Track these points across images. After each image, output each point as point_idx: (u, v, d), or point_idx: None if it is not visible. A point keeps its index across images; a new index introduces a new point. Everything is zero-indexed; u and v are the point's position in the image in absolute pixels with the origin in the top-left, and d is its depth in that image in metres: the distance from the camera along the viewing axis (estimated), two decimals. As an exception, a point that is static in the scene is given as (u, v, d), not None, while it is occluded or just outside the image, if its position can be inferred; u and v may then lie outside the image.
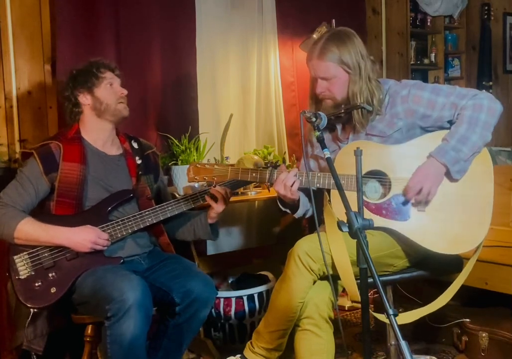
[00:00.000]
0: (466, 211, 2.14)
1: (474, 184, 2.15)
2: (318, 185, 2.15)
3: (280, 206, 2.29)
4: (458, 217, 2.13)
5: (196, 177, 2.19)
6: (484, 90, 2.19)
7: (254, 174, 2.17)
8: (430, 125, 2.21)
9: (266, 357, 2.13)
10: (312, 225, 1.90)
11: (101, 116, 2.34)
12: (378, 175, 2.17)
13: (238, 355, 2.19)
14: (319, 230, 1.95)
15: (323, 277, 2.10)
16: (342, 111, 2.19)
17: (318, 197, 2.20)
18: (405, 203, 2.13)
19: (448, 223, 2.13)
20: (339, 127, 2.32)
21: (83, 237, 2.17)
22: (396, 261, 2.20)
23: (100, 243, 2.19)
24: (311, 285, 2.09)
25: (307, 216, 2.32)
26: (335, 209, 2.09)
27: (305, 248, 2.07)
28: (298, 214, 2.26)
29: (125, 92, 2.37)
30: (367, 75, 2.19)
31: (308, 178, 2.11)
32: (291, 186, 2.11)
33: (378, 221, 2.10)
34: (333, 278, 2.05)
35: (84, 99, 2.33)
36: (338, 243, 2.03)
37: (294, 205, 2.25)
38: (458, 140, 2.10)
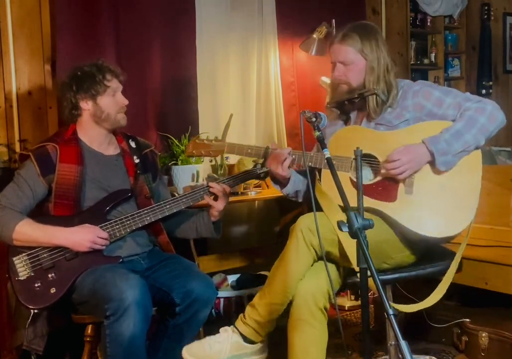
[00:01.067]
0: (450, 197, 2.17)
1: (461, 173, 2.18)
2: (310, 164, 2.20)
3: (272, 183, 2.36)
4: (441, 202, 2.16)
5: (193, 151, 2.28)
6: (492, 101, 2.21)
7: (249, 150, 2.25)
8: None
9: (256, 330, 2.13)
10: (310, 207, 1.93)
11: (99, 123, 2.32)
12: (369, 158, 2.21)
13: (232, 326, 2.18)
14: (315, 208, 1.95)
15: (321, 258, 2.11)
16: (356, 95, 2.24)
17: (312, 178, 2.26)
18: (392, 185, 2.17)
19: (432, 207, 2.16)
20: (353, 116, 2.37)
21: (81, 237, 2.17)
22: (394, 252, 2.20)
23: (99, 242, 2.19)
24: (309, 261, 2.10)
25: (297, 199, 2.38)
26: (325, 187, 2.13)
27: (307, 223, 2.09)
28: (287, 190, 2.32)
29: (127, 102, 2.35)
30: (385, 67, 2.26)
31: (304, 161, 2.14)
32: (283, 162, 2.18)
33: (366, 201, 2.13)
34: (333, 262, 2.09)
35: (85, 104, 2.30)
36: (337, 216, 2.04)
37: (284, 182, 2.31)
38: (452, 135, 2.15)
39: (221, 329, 2.18)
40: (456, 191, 2.17)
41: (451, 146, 2.13)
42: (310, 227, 2.08)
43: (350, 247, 2.03)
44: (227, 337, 2.14)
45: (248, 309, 2.18)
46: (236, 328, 2.15)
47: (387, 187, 2.17)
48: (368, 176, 2.22)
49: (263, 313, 2.12)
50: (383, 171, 2.17)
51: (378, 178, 2.19)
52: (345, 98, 2.28)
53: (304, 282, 2.09)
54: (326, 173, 2.17)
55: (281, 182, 2.32)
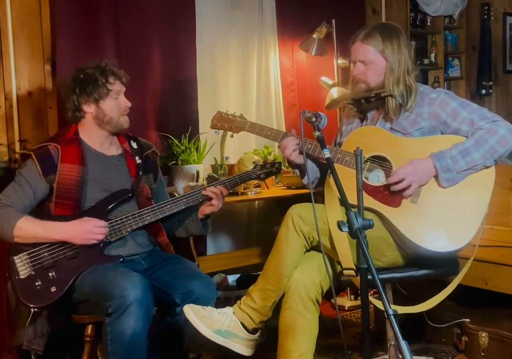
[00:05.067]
0: (453, 213, 2.15)
1: (471, 190, 2.17)
2: (323, 156, 2.20)
3: (291, 168, 2.45)
4: (445, 216, 2.15)
5: (218, 124, 2.39)
6: (508, 122, 2.19)
7: (269, 132, 2.31)
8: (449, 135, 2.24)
9: (250, 317, 2.14)
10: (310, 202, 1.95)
11: (101, 126, 2.33)
12: (382, 161, 2.21)
13: (232, 310, 2.20)
14: (313, 200, 1.97)
15: (315, 248, 2.14)
16: (373, 95, 2.25)
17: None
18: (399, 191, 2.16)
19: (434, 219, 2.15)
20: (370, 115, 2.37)
21: (78, 229, 2.17)
22: (388, 250, 2.21)
23: (98, 232, 2.19)
24: (300, 248, 2.13)
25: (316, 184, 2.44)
26: (332, 182, 2.12)
27: (298, 211, 2.14)
28: (306, 179, 2.37)
29: (129, 104, 2.35)
30: (406, 69, 2.25)
31: (304, 156, 2.16)
32: (288, 148, 2.24)
33: (370, 202, 2.15)
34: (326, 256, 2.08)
35: (88, 108, 2.30)
36: (334, 212, 2.07)
37: (300, 169, 2.36)
38: (460, 152, 2.14)
39: (227, 307, 2.20)
40: (460, 209, 2.15)
41: (456, 163, 2.12)
42: (300, 214, 2.12)
43: (342, 244, 2.05)
44: (229, 313, 2.16)
45: (244, 296, 2.21)
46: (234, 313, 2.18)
47: (394, 191, 2.16)
48: (379, 179, 2.22)
49: (257, 299, 2.14)
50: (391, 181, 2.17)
51: (387, 182, 2.18)
52: (361, 96, 2.28)
53: (297, 272, 2.12)
54: (337, 169, 2.18)
55: (300, 167, 2.35)
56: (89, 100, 2.29)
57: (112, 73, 2.31)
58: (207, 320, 2.10)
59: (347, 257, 2.04)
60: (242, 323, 2.14)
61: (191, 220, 2.46)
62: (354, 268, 2.00)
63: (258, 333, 2.17)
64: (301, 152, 2.25)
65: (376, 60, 2.24)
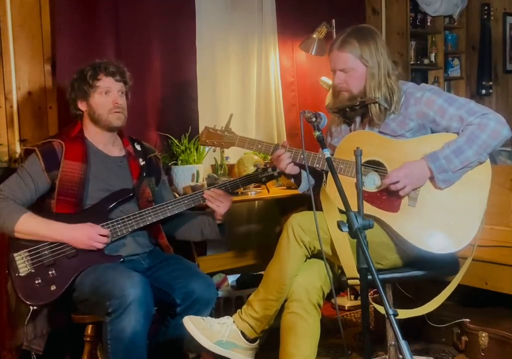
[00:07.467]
0: (453, 213, 2.14)
1: (468, 190, 2.15)
2: (317, 166, 2.20)
3: (286, 177, 2.40)
4: (444, 217, 2.14)
5: (207, 140, 2.32)
6: (497, 114, 2.16)
7: (259, 146, 2.26)
8: (440, 132, 2.23)
9: (252, 326, 2.14)
10: (310, 205, 1.94)
11: (96, 123, 2.34)
12: (377, 166, 2.19)
13: (232, 320, 2.19)
14: (315, 207, 1.96)
15: (316, 255, 2.13)
16: (357, 103, 2.22)
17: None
18: (396, 195, 2.15)
19: (433, 221, 2.14)
20: (358, 120, 2.34)
21: (81, 233, 2.18)
22: (389, 253, 2.20)
23: (99, 240, 2.19)
24: (301, 257, 2.12)
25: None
26: (329, 189, 2.14)
27: (298, 220, 2.12)
28: (302, 188, 2.35)
29: (119, 101, 2.32)
30: (386, 71, 2.22)
31: (304, 161, 2.15)
32: (282, 161, 2.20)
33: (369, 208, 2.14)
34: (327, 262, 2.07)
35: (81, 105, 2.34)
36: (334, 220, 2.04)
37: (296, 178, 2.34)
38: (453, 151, 2.12)
39: (226, 316, 2.19)
40: (459, 209, 2.14)
41: (450, 163, 2.11)
42: (300, 224, 2.10)
43: (345, 254, 2.05)
44: (229, 323, 2.15)
45: (245, 306, 2.20)
46: (234, 322, 2.17)
47: (392, 196, 2.15)
48: (374, 182, 2.20)
49: (258, 309, 2.14)
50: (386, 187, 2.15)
51: (384, 186, 2.16)
52: (345, 105, 2.25)
53: (298, 277, 2.12)
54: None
55: (294, 177, 2.33)
56: (79, 97, 2.32)
57: (103, 69, 2.30)
58: (207, 332, 2.10)
59: (350, 266, 2.03)
60: (242, 332, 2.14)
61: (208, 225, 2.44)
62: (359, 277, 2.00)
63: (257, 341, 2.17)
64: (296, 163, 2.22)
65: (356, 67, 2.21)
